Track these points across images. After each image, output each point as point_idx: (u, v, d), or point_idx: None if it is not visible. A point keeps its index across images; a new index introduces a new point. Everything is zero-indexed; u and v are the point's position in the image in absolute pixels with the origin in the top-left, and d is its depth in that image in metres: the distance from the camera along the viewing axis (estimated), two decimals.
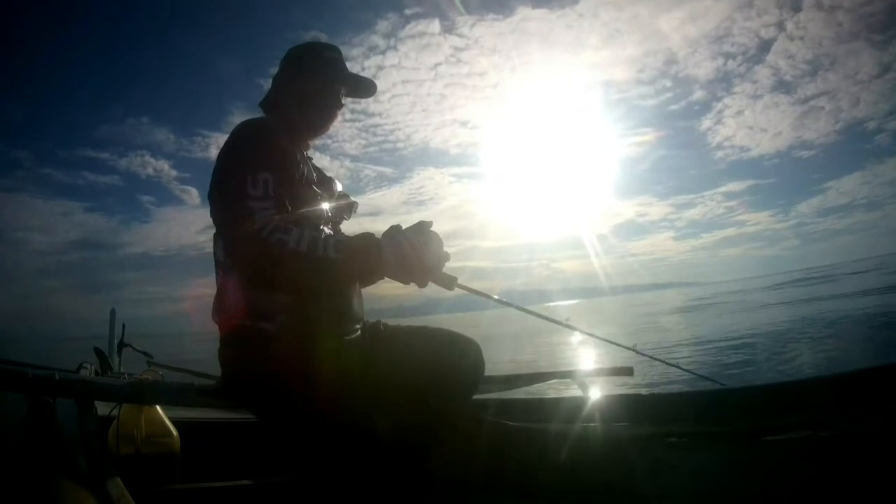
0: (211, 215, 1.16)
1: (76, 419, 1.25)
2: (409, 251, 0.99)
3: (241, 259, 1.08)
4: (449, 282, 1.09)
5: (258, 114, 1.29)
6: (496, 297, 1.43)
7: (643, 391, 1.65)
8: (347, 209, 1.32)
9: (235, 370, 1.17)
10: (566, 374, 1.91)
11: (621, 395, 1.65)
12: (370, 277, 1.18)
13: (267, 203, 1.02)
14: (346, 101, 1.34)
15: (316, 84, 1.27)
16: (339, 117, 1.32)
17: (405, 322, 1.38)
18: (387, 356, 1.20)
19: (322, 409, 1.05)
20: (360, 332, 1.24)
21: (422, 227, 1.02)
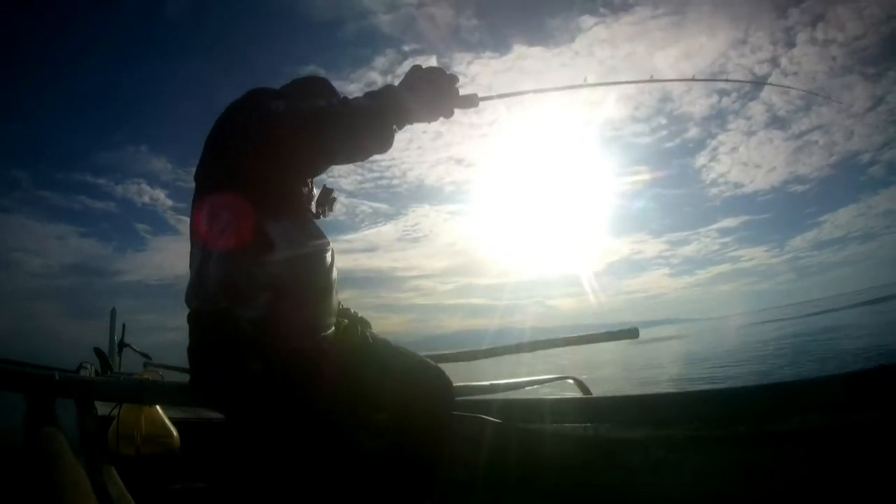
0: (196, 178, 1.15)
1: (76, 419, 1.25)
2: (425, 84, 1.08)
3: (277, 136, 1.05)
4: (471, 100, 1.15)
5: None
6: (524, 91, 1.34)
7: (643, 392, 1.65)
8: (328, 202, 1.32)
9: (204, 362, 1.13)
10: (566, 376, 1.91)
11: (621, 396, 1.65)
12: (402, 116, 1.14)
13: (290, 104, 1.07)
14: None
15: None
16: None
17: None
18: (362, 365, 1.18)
19: (300, 408, 1.03)
20: (334, 328, 1.21)
21: (418, 67, 1.10)
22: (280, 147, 1.05)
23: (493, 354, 1.78)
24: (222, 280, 1.06)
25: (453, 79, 1.11)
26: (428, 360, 1.29)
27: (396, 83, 1.12)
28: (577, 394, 1.79)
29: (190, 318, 1.12)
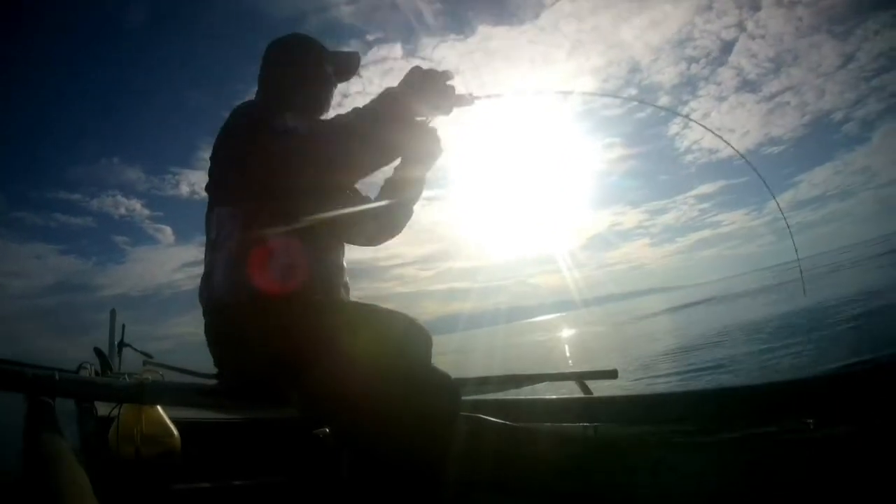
0: (207, 189, 1.20)
1: (76, 419, 1.25)
2: (424, 83, 1.12)
3: (294, 158, 1.08)
4: (466, 99, 1.20)
5: None
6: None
7: (643, 392, 1.65)
8: (361, 199, 1.35)
9: (218, 352, 1.17)
10: (565, 376, 1.91)
11: (622, 396, 1.65)
12: (401, 118, 1.19)
13: (296, 121, 1.10)
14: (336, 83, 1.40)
15: (308, 66, 1.31)
16: (333, 97, 1.38)
17: None
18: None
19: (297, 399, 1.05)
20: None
21: (417, 68, 1.14)
22: (291, 164, 1.08)
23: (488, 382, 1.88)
24: (224, 283, 1.11)
25: (448, 75, 1.15)
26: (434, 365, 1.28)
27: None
28: (578, 393, 1.79)
29: (204, 314, 1.18)
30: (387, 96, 1.13)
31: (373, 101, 1.13)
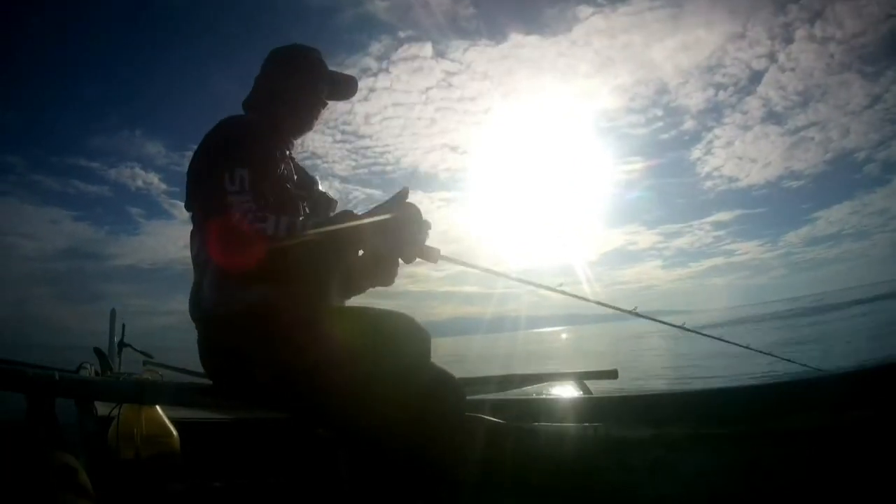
0: (188, 209, 1.20)
1: (76, 419, 1.26)
2: (392, 223, 1.00)
3: (222, 252, 1.08)
4: (433, 254, 1.09)
5: None
6: (484, 267, 1.36)
7: (643, 392, 1.65)
8: (325, 208, 1.32)
9: (214, 364, 1.18)
10: (565, 375, 1.91)
11: (621, 396, 1.65)
12: (353, 253, 1.18)
13: (244, 196, 1.04)
14: (328, 101, 1.37)
15: (300, 83, 1.30)
16: (322, 116, 1.36)
17: None
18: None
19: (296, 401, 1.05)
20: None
21: (400, 199, 1.02)
22: (222, 255, 1.07)
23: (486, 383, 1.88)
24: (215, 299, 1.12)
25: (426, 225, 1.06)
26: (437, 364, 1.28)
27: (368, 208, 1.06)
28: (577, 393, 1.79)
29: (196, 328, 1.19)
30: (351, 228, 1.02)
31: (335, 223, 1.04)
